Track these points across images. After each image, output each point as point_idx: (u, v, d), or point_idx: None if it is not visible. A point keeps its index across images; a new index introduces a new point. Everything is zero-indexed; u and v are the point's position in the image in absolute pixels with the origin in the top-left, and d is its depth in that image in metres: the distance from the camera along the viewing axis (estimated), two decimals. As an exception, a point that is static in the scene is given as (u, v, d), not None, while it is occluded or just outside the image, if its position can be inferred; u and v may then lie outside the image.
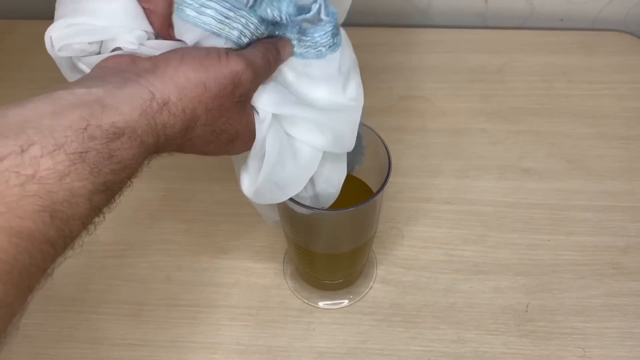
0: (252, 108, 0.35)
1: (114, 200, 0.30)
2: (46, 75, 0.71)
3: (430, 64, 0.72)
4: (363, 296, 0.51)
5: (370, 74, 0.70)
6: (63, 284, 0.52)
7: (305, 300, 0.51)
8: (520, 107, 0.67)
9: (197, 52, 0.32)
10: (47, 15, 0.90)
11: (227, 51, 0.33)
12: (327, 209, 0.41)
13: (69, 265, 0.56)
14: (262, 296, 0.52)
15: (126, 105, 0.28)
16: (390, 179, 0.41)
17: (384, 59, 0.72)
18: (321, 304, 0.51)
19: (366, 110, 0.66)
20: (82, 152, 0.26)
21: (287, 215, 0.44)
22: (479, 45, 0.74)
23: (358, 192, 0.47)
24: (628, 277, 0.52)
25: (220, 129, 0.33)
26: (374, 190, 0.45)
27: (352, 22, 0.81)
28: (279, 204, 0.44)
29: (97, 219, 0.29)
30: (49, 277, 0.28)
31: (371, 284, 0.52)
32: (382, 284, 0.52)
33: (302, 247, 0.46)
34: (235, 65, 0.32)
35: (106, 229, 0.52)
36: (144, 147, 0.29)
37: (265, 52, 0.34)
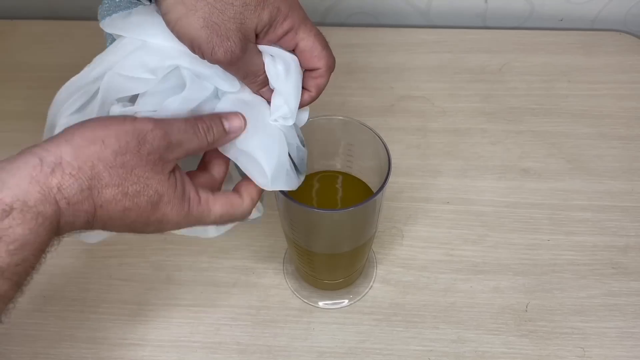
0: (182, 173, 0.35)
1: (25, 281, 0.29)
2: (46, 75, 0.71)
3: (430, 64, 0.72)
4: (363, 296, 0.51)
5: (370, 74, 0.70)
6: (63, 284, 0.52)
7: (305, 300, 0.51)
8: (520, 107, 0.67)
9: (103, 117, 0.33)
10: (47, 15, 0.90)
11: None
12: (327, 209, 0.41)
13: (68, 265, 0.56)
14: (262, 296, 0.52)
15: (14, 178, 0.28)
16: (390, 179, 0.41)
17: (384, 59, 0.72)
18: (321, 303, 0.51)
19: (366, 110, 0.66)
20: None
21: (287, 215, 0.44)
22: (478, 45, 0.74)
23: (358, 192, 0.47)
24: (628, 277, 0.52)
25: (133, 190, 0.31)
26: (374, 190, 0.45)
27: (352, 22, 0.81)
28: (279, 204, 0.44)
29: (9, 305, 0.29)
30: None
31: (371, 283, 0.52)
32: (382, 283, 0.52)
33: (302, 247, 0.46)
34: (140, 124, 0.32)
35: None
36: (42, 218, 0.28)
37: (194, 123, 0.35)
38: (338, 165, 0.48)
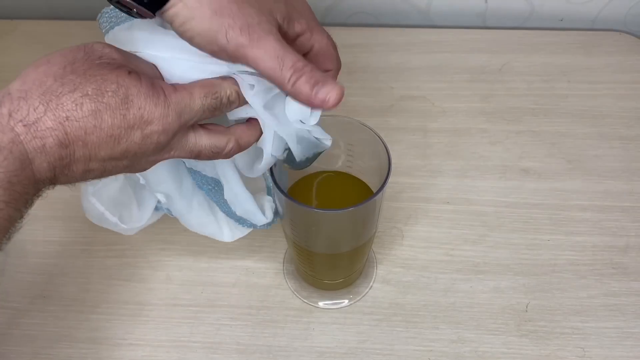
0: (156, 83, 0.32)
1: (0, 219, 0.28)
2: (46, 75, 0.71)
3: (430, 64, 0.72)
4: (363, 296, 0.51)
5: (370, 74, 0.70)
6: (63, 284, 0.52)
7: (305, 300, 0.51)
8: (520, 107, 0.67)
9: None
10: (47, 15, 0.90)
11: None
12: (327, 209, 0.41)
13: (68, 265, 0.56)
14: (262, 296, 0.52)
15: None
16: (390, 179, 0.41)
17: (384, 59, 0.72)
18: (321, 304, 0.51)
19: (366, 110, 0.66)
20: None
21: (287, 215, 0.44)
22: (479, 45, 0.74)
23: (358, 192, 0.47)
24: (628, 277, 0.52)
25: (93, 89, 0.29)
26: (374, 190, 0.45)
27: (352, 22, 0.81)
28: (279, 204, 0.44)
29: None
30: None
31: (371, 283, 0.52)
32: (382, 283, 0.52)
33: (302, 247, 0.46)
34: (86, 44, 0.31)
35: (106, 229, 0.52)
36: None
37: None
38: (338, 165, 0.48)
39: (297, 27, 0.35)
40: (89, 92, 0.29)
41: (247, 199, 0.45)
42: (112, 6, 0.36)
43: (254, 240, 0.55)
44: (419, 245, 0.55)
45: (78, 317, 0.50)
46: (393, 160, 0.41)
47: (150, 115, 0.31)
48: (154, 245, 0.55)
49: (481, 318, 0.50)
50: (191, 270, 0.53)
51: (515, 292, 0.51)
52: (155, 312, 0.51)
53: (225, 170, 0.43)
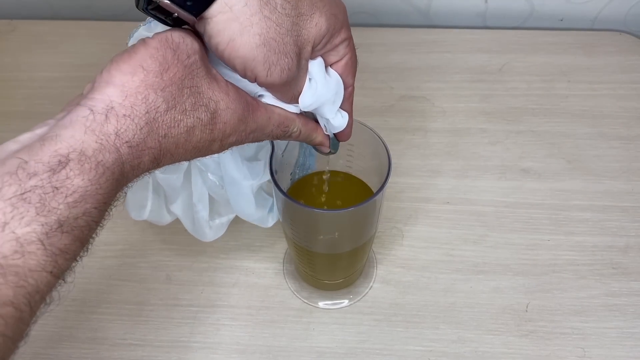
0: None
1: (89, 237, 0.27)
2: (46, 75, 0.71)
3: (430, 64, 0.72)
4: (363, 296, 0.51)
5: (370, 74, 0.70)
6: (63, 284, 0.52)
7: (305, 300, 0.51)
8: (520, 107, 0.67)
9: (127, 49, 0.29)
10: (47, 15, 0.90)
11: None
12: (327, 209, 0.41)
13: (69, 265, 0.55)
14: (262, 296, 0.52)
15: (67, 131, 0.26)
16: (390, 179, 0.41)
17: (384, 59, 0.72)
18: (321, 304, 0.51)
19: (366, 110, 0.66)
20: (22, 194, 0.24)
21: (287, 215, 0.44)
22: (479, 45, 0.74)
23: (358, 192, 0.47)
24: (628, 277, 0.52)
25: (190, 104, 0.29)
26: (374, 190, 0.45)
27: (352, 22, 0.81)
28: (279, 204, 0.44)
29: (71, 264, 0.27)
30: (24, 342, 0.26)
31: (371, 284, 0.52)
32: (382, 284, 0.52)
33: (302, 247, 0.46)
34: (160, 34, 0.29)
35: (106, 229, 0.52)
36: (103, 168, 0.26)
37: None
38: (338, 165, 0.48)
39: (337, 39, 0.35)
40: (187, 108, 0.29)
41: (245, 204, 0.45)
42: (138, 26, 0.35)
43: (254, 240, 0.55)
44: (419, 245, 0.55)
45: (78, 317, 0.50)
46: (393, 160, 0.41)
47: (232, 129, 0.32)
48: (154, 245, 0.55)
49: (481, 318, 0.50)
50: (191, 270, 0.53)
51: (515, 292, 0.51)
52: (155, 312, 0.51)
53: (227, 173, 0.43)
